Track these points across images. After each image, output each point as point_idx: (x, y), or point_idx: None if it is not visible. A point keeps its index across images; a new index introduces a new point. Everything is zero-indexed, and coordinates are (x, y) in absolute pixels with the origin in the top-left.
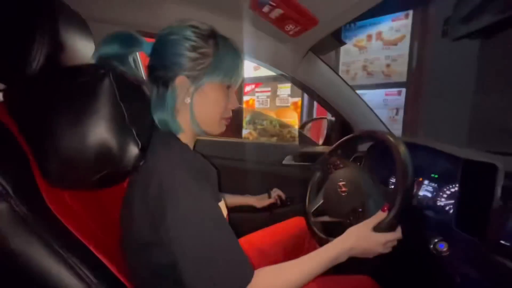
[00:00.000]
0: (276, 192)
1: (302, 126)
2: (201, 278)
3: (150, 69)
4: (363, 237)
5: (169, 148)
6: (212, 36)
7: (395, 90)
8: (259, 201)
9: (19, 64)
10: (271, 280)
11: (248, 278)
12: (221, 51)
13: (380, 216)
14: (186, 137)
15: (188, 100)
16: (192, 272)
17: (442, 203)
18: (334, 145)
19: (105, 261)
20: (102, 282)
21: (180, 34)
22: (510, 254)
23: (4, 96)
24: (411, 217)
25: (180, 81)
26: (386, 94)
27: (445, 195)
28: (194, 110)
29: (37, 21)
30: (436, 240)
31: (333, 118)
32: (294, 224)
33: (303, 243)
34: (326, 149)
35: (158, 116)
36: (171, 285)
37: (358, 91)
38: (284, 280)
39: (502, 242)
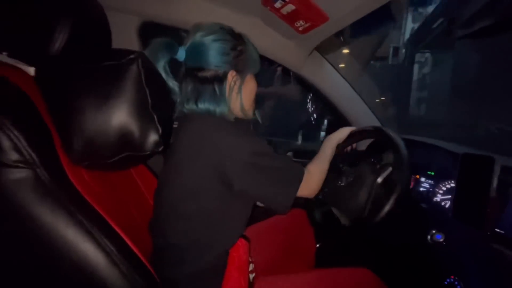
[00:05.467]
0: None
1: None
2: (277, 186)
3: (194, 70)
4: (339, 132)
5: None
6: (239, 34)
7: None
8: None
9: (43, 43)
10: (316, 170)
11: (302, 172)
12: (248, 46)
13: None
14: None
15: (237, 91)
16: (269, 187)
17: (438, 199)
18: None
19: (122, 234)
20: (121, 253)
21: (220, 36)
22: (505, 241)
23: (36, 73)
24: (408, 211)
25: (232, 75)
26: None
27: (441, 191)
28: (242, 99)
29: (61, 5)
30: (433, 232)
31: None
32: (293, 216)
33: (302, 233)
34: None
35: (215, 110)
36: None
37: None
38: (321, 168)
39: (497, 230)
